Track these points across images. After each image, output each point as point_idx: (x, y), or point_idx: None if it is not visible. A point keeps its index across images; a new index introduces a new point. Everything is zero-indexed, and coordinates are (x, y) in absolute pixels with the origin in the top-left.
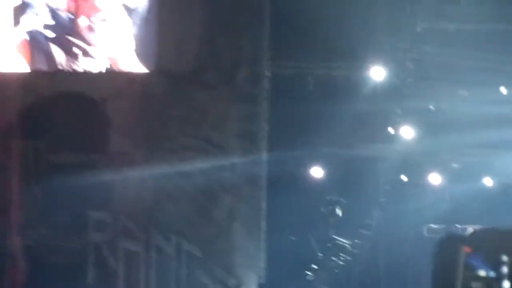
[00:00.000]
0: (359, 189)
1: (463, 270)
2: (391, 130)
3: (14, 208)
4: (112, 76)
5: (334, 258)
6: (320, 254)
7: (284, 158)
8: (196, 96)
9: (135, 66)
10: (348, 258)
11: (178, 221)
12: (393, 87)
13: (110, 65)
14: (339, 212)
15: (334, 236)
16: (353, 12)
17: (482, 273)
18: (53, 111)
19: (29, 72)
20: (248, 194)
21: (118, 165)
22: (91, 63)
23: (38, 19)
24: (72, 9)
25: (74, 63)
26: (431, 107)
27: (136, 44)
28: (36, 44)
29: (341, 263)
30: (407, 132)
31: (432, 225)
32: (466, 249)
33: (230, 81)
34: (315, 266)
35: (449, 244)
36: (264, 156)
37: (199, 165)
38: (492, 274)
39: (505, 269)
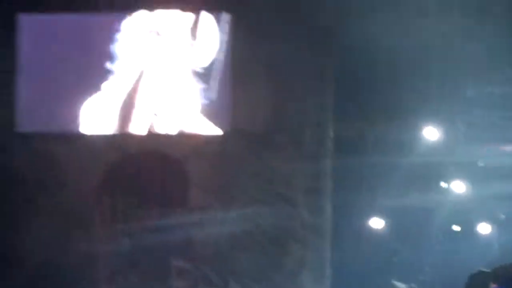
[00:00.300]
0: (415, 238)
1: None
2: (443, 184)
3: (105, 258)
4: (191, 137)
5: None
6: None
7: (347, 210)
8: (267, 155)
9: (212, 128)
10: None
11: (252, 269)
12: (446, 145)
13: (188, 127)
14: (396, 259)
15: (393, 282)
16: (409, 78)
17: None
18: (140, 170)
19: (117, 134)
20: (315, 244)
21: (198, 217)
22: (172, 126)
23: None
24: None
25: (155, 125)
26: (479, 163)
27: (212, 108)
28: (122, 107)
29: None
30: (458, 186)
31: (483, 269)
32: (493, 284)
33: (297, 142)
34: None
35: (478, 278)
36: (329, 209)
37: (271, 217)
38: None
39: None
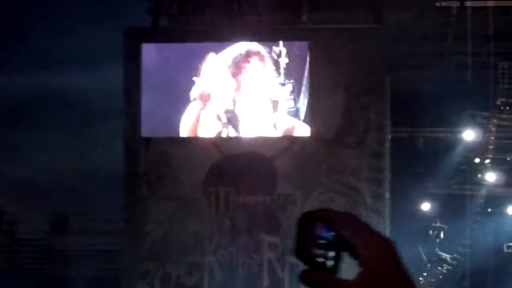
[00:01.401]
0: (456, 219)
1: (312, 238)
2: (479, 176)
3: (210, 235)
4: (280, 139)
5: (439, 268)
6: (428, 265)
7: (402, 197)
8: (339, 153)
9: (296, 133)
10: (449, 267)
11: None
12: (480, 144)
13: (277, 132)
14: (441, 234)
15: (439, 252)
16: (451, 90)
17: (321, 241)
18: (238, 165)
19: (221, 137)
20: (375, 224)
21: (284, 203)
22: (263, 130)
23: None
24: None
25: (249, 130)
26: (507, 158)
27: (296, 116)
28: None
29: (444, 271)
30: (491, 177)
31: (510, 244)
32: (317, 222)
33: (362, 143)
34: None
35: (305, 218)
36: (388, 196)
37: (341, 202)
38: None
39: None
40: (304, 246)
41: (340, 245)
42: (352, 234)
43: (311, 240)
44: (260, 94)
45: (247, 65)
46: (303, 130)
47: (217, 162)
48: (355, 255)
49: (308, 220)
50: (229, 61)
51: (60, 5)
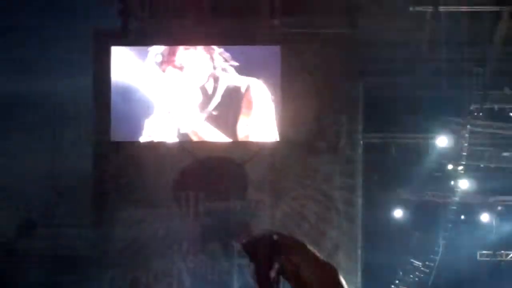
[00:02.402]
0: (428, 226)
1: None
2: (452, 182)
3: (179, 240)
4: (249, 145)
5: (411, 276)
6: (400, 272)
7: (374, 203)
8: (310, 159)
9: (266, 137)
10: (422, 275)
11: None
12: (454, 151)
13: (245, 137)
14: (414, 242)
15: (411, 260)
16: (424, 95)
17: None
18: (208, 170)
19: (191, 141)
20: (348, 231)
21: (254, 209)
22: (234, 135)
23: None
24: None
25: (219, 135)
26: (481, 165)
27: (265, 121)
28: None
29: (416, 279)
30: (464, 184)
31: (483, 251)
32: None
33: (334, 148)
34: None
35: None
36: (360, 202)
37: (313, 209)
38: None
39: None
40: (264, 272)
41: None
42: (302, 260)
43: (268, 265)
44: (234, 97)
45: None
46: (273, 135)
47: (187, 166)
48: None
49: (265, 245)
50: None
51: (23, 3)
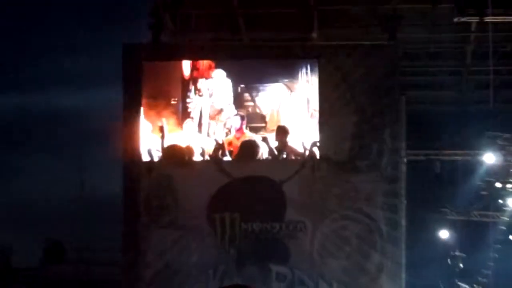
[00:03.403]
0: (476, 247)
1: None
2: (501, 201)
3: (215, 264)
4: (288, 163)
5: None
6: None
7: (418, 224)
8: (351, 178)
9: (304, 156)
10: None
11: (338, 272)
12: (502, 168)
13: (284, 155)
14: (461, 264)
15: (458, 282)
16: (470, 110)
17: None
18: (244, 190)
19: (226, 160)
20: (391, 252)
21: (293, 231)
22: (270, 154)
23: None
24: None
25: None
26: None
27: (305, 139)
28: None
29: None
30: None
31: None
32: None
33: (376, 166)
34: None
35: None
36: (403, 223)
37: (354, 230)
38: None
39: None
40: None
41: None
42: None
43: None
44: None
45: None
46: (313, 153)
47: (223, 186)
48: None
49: None
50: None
51: (56, 22)
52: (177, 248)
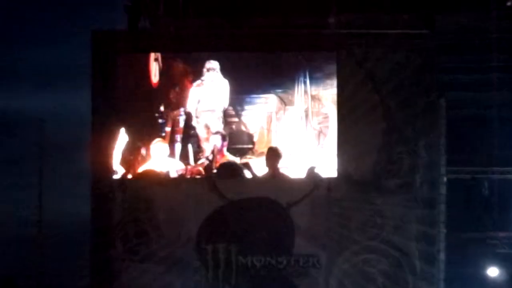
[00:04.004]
0: None
1: None
2: None
3: None
4: (298, 182)
5: None
6: None
7: (461, 258)
8: (377, 201)
9: (317, 174)
10: None
11: None
12: None
13: (293, 172)
14: None
15: None
16: None
17: None
18: (243, 214)
19: (217, 177)
20: None
21: (304, 267)
22: (275, 170)
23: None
24: None
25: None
26: None
27: (318, 152)
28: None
29: None
30: None
31: None
32: None
33: (408, 186)
34: None
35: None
36: (442, 257)
37: (381, 266)
38: None
39: None
40: None
41: None
42: None
43: None
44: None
45: None
46: (328, 170)
47: (216, 210)
48: None
49: None
50: None
51: (7, 6)
52: (159, 285)
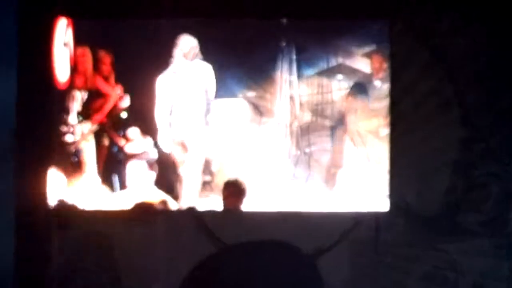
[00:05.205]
0: None
1: None
2: None
3: None
4: (331, 218)
5: None
6: None
7: None
8: (447, 247)
9: (361, 205)
10: None
11: None
12: None
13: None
14: None
15: None
16: None
17: None
18: (244, 266)
19: (213, 211)
20: None
21: None
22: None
23: None
24: None
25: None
26: None
27: (363, 176)
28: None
29: None
30: None
31: None
32: None
33: (491, 225)
34: None
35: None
36: None
37: None
38: None
39: None
40: None
41: None
42: None
43: None
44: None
45: None
46: (375, 202)
47: (206, 259)
48: None
49: None
50: None
51: None
52: None
